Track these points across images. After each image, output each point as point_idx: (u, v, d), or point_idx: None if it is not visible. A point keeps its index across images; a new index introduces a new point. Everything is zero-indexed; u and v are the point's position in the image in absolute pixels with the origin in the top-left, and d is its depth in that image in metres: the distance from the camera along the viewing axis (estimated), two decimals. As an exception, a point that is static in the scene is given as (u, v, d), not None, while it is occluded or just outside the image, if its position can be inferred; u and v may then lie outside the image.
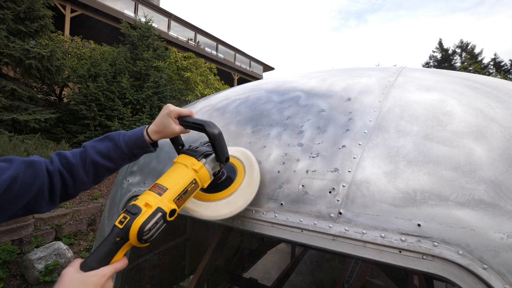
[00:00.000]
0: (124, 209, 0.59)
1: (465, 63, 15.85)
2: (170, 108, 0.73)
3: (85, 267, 0.51)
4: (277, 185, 0.77)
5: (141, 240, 0.56)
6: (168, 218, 0.61)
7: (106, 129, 6.09)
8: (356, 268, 1.99)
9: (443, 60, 17.57)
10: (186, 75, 8.22)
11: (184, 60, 8.80)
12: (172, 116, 0.73)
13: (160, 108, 6.78)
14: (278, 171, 0.79)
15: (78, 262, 0.52)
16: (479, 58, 16.42)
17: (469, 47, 16.96)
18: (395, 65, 1.76)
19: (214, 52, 15.92)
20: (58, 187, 0.62)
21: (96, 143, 0.70)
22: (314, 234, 0.68)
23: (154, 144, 0.76)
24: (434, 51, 18.15)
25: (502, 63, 16.11)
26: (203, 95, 8.07)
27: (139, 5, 12.01)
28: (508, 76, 15.08)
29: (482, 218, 0.53)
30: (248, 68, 18.64)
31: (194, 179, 0.69)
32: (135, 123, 6.10)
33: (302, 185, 0.74)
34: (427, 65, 18.18)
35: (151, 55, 7.01)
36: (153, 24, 7.47)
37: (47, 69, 5.46)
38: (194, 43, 14.67)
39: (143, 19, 7.50)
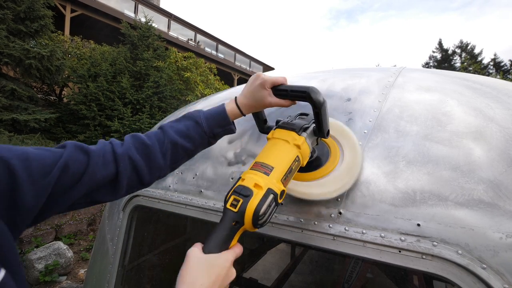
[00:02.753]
0: (232, 190, 0.54)
1: (465, 63, 15.87)
2: (263, 77, 0.65)
3: (208, 252, 0.49)
4: (277, 185, 0.77)
5: (257, 224, 0.52)
6: (279, 200, 0.56)
7: (106, 129, 6.09)
8: (356, 268, 1.99)
9: (443, 60, 17.58)
10: (186, 75, 8.22)
11: (184, 60, 8.80)
12: (267, 87, 0.65)
13: (160, 108, 6.78)
14: (278, 171, 0.79)
15: (199, 245, 0.50)
16: (479, 58, 16.43)
17: (468, 47, 16.97)
18: (395, 66, 1.76)
19: (214, 52, 15.92)
20: (125, 174, 0.55)
21: (174, 123, 0.64)
22: (314, 234, 0.68)
23: (233, 124, 0.68)
24: (434, 52, 18.16)
25: (502, 63, 16.12)
26: (203, 95, 8.06)
27: (139, 5, 12.02)
28: (508, 76, 15.09)
29: (481, 218, 0.53)
30: (248, 68, 18.65)
31: (297, 156, 0.61)
32: (135, 123, 6.10)
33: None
34: (427, 65, 18.19)
35: (151, 55, 7.01)
36: (153, 24, 7.47)
37: (47, 69, 5.46)
38: (194, 43, 14.67)
39: (143, 19, 7.50)
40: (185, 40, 14.20)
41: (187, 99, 7.77)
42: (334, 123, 0.76)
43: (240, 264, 2.45)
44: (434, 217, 0.56)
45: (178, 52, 9.29)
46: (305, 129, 0.65)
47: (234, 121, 0.70)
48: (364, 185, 0.66)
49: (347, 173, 0.66)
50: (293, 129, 0.63)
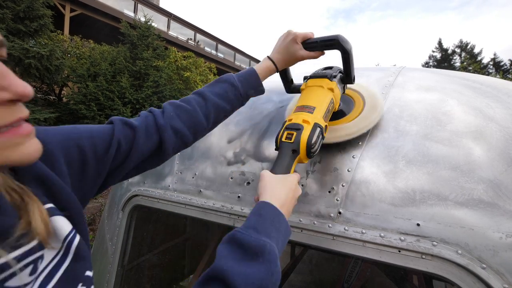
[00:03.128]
0: (284, 128, 0.62)
1: (465, 63, 15.87)
2: (295, 33, 0.70)
3: (277, 173, 0.57)
4: (277, 184, 0.77)
5: (310, 153, 0.59)
6: (324, 134, 0.63)
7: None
8: (356, 268, 1.99)
9: (443, 60, 17.59)
10: (185, 75, 8.22)
11: (184, 60, 8.80)
12: (298, 41, 0.69)
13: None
14: (278, 171, 0.79)
15: (267, 171, 0.57)
16: (479, 58, 16.44)
17: (468, 47, 16.98)
18: (395, 65, 1.76)
19: (213, 52, 15.91)
20: (169, 142, 0.58)
21: (211, 87, 0.66)
22: (313, 233, 0.68)
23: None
24: (433, 51, 18.19)
25: (502, 63, 16.12)
26: (202, 95, 8.05)
27: (138, 4, 12.00)
28: (507, 75, 15.10)
29: (481, 217, 0.53)
30: (247, 67, 18.64)
31: (332, 99, 0.68)
32: (134, 122, 6.09)
33: (302, 185, 0.74)
34: (426, 65, 18.19)
35: (151, 55, 7.00)
36: (153, 24, 7.47)
37: (46, 69, 5.45)
38: (193, 43, 14.66)
39: (142, 19, 7.50)
40: (185, 39, 14.19)
41: (186, 98, 7.76)
42: (358, 82, 0.81)
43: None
44: (434, 217, 0.56)
45: (178, 51, 9.29)
46: (334, 76, 0.70)
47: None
48: (364, 184, 0.66)
49: (372, 111, 0.73)
50: (325, 76, 0.70)
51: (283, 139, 0.61)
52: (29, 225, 0.31)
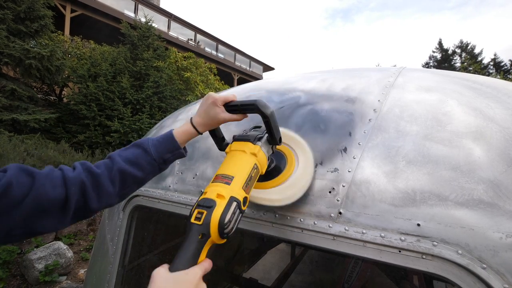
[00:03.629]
0: (196, 205, 0.56)
1: (465, 63, 15.86)
2: (214, 96, 0.69)
3: (174, 270, 0.47)
4: (277, 185, 0.77)
5: (223, 234, 0.53)
6: (243, 208, 0.58)
7: (106, 129, 6.09)
8: (356, 268, 1.99)
9: (443, 60, 17.58)
10: (186, 75, 8.22)
11: (184, 60, 8.80)
12: (218, 104, 0.69)
13: (160, 108, 6.78)
14: (278, 171, 0.79)
15: (165, 266, 0.48)
16: (479, 58, 16.42)
17: (469, 47, 16.96)
18: (395, 66, 1.76)
19: (214, 52, 15.92)
20: (74, 199, 0.54)
21: (122, 151, 0.65)
22: (314, 234, 0.68)
23: (184, 148, 0.71)
24: (434, 51, 18.16)
25: (502, 63, 16.11)
26: (203, 95, 8.06)
27: (139, 5, 12.01)
28: (508, 76, 15.08)
29: (481, 218, 0.53)
30: (248, 68, 18.64)
31: (255, 164, 0.64)
32: (135, 123, 6.09)
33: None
34: (427, 65, 18.18)
35: (151, 55, 7.00)
36: (153, 24, 7.47)
37: (47, 69, 5.46)
38: (194, 43, 14.67)
39: (143, 19, 7.50)
40: (185, 40, 14.20)
41: (187, 99, 7.77)
42: (285, 132, 0.80)
43: (240, 264, 2.45)
44: (434, 217, 0.56)
45: (178, 52, 9.29)
46: (259, 139, 0.68)
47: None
48: (364, 185, 0.66)
49: (302, 177, 0.71)
50: (248, 140, 0.67)
51: (192, 220, 0.53)
52: None
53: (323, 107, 0.87)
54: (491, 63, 16.32)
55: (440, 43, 17.82)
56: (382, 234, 0.60)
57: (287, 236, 0.73)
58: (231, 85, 14.79)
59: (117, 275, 1.11)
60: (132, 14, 11.67)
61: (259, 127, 0.76)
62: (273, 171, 0.75)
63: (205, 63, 9.69)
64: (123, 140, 6.00)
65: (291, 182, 0.72)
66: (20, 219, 0.48)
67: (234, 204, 0.55)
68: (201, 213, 0.53)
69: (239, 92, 1.19)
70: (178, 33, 13.92)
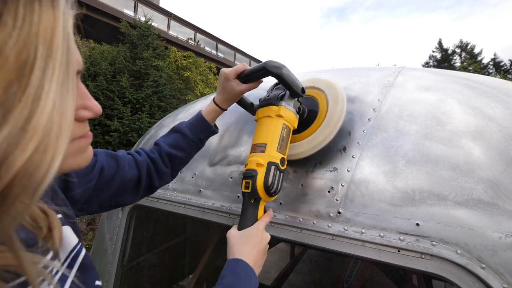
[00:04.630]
0: (242, 176, 0.64)
1: (465, 63, 15.87)
2: (225, 72, 0.72)
3: (241, 228, 0.60)
4: (276, 184, 0.77)
5: (270, 193, 0.62)
6: (281, 167, 0.64)
7: (105, 128, 6.08)
8: (356, 268, 1.99)
9: (443, 60, 17.58)
10: (185, 75, 8.21)
11: (184, 60, 8.79)
12: (231, 78, 0.71)
13: (159, 107, 6.77)
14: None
15: (235, 227, 0.62)
16: (479, 58, 16.43)
17: (468, 47, 16.97)
18: (395, 65, 1.76)
19: (214, 52, 15.90)
20: (144, 179, 0.66)
21: (165, 138, 0.73)
22: (313, 233, 0.68)
23: (215, 125, 0.77)
24: (433, 51, 18.17)
25: (502, 63, 16.12)
26: (203, 95, 8.06)
27: (138, 4, 11.99)
28: (508, 76, 15.09)
29: (480, 217, 0.53)
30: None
31: (284, 124, 0.67)
32: (134, 122, 6.09)
33: (301, 185, 0.74)
34: (426, 65, 18.19)
35: (151, 54, 6.99)
36: (153, 23, 7.46)
37: (46, 68, 5.44)
38: (193, 43, 14.65)
39: (142, 18, 7.49)
40: (185, 39, 14.18)
41: (186, 98, 7.77)
42: (320, 79, 0.81)
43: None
44: (433, 217, 0.56)
45: (178, 51, 9.28)
46: (281, 98, 0.69)
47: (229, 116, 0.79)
48: (363, 184, 0.66)
49: (329, 124, 0.72)
50: (269, 104, 0.69)
51: (243, 189, 0.63)
52: (50, 236, 0.32)
53: (322, 106, 0.86)
54: (491, 63, 16.33)
55: (440, 43, 17.83)
56: (381, 234, 0.60)
57: (286, 235, 0.73)
58: (231, 85, 14.74)
59: (116, 274, 1.11)
60: (131, 13, 11.65)
61: (278, 86, 0.76)
62: (309, 118, 0.76)
63: (205, 62, 9.68)
64: (123, 139, 6.00)
65: (319, 131, 0.73)
66: (109, 195, 0.60)
67: (273, 167, 0.62)
68: (248, 183, 0.61)
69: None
70: (178, 32, 13.90)
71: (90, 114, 0.35)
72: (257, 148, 0.65)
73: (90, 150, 0.38)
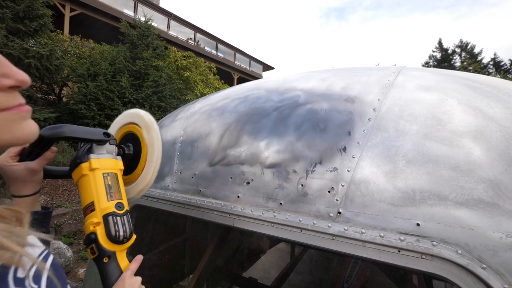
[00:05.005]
0: (85, 246, 0.60)
1: (465, 63, 15.86)
2: None
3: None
4: (276, 184, 0.77)
5: (121, 241, 0.59)
6: (120, 212, 0.61)
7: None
8: (356, 268, 1.99)
9: (443, 59, 17.57)
10: (185, 75, 8.21)
11: (184, 60, 8.79)
12: (6, 163, 0.60)
13: (159, 107, 6.77)
14: (278, 171, 0.79)
15: None
16: (479, 58, 16.42)
17: (468, 46, 16.96)
18: (395, 65, 1.76)
19: (213, 52, 15.90)
20: None
21: None
22: (313, 233, 0.68)
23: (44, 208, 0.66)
24: (433, 51, 18.16)
25: (502, 63, 16.11)
26: (202, 95, 8.06)
27: (138, 4, 11.99)
28: (508, 75, 15.09)
29: (481, 217, 0.53)
30: (247, 67, 18.63)
31: (103, 173, 0.63)
32: (134, 122, 6.08)
33: (301, 185, 0.74)
34: (426, 64, 18.18)
35: (151, 54, 7.00)
36: (153, 23, 7.46)
37: (46, 68, 5.45)
38: (193, 43, 14.65)
39: (142, 18, 7.49)
40: (185, 39, 14.17)
41: (186, 98, 7.77)
42: (132, 112, 0.81)
43: (240, 263, 2.45)
44: (434, 217, 0.56)
45: (178, 51, 9.28)
46: (89, 151, 0.65)
47: None
48: (364, 184, 0.65)
49: (151, 159, 0.74)
50: (78, 163, 0.64)
51: (92, 257, 0.58)
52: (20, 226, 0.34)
53: (322, 106, 0.86)
54: (491, 63, 16.32)
55: (440, 43, 17.82)
56: (382, 234, 0.60)
57: (286, 235, 0.73)
58: (231, 85, 14.77)
59: (116, 274, 1.10)
60: (131, 13, 11.65)
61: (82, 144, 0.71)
62: (138, 154, 0.76)
63: (205, 62, 9.68)
64: (123, 139, 5.99)
65: (148, 161, 0.74)
66: None
67: (110, 218, 0.59)
68: (92, 248, 0.58)
69: (237, 92, 1.18)
70: (178, 32, 13.90)
71: (12, 81, 0.32)
72: (88, 210, 0.60)
73: (29, 124, 0.35)
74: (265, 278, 2.61)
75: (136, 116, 0.79)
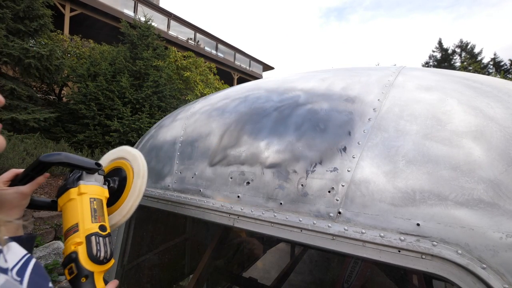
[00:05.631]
0: (63, 267, 0.60)
1: (465, 63, 15.86)
2: None
3: None
4: (277, 184, 0.77)
5: (101, 261, 0.60)
6: (103, 233, 0.63)
7: (105, 128, 6.08)
8: (356, 268, 1.99)
9: (443, 59, 17.57)
10: (185, 75, 8.22)
11: (184, 60, 8.80)
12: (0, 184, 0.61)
13: (159, 108, 6.77)
14: (278, 171, 0.79)
15: None
16: (479, 58, 16.42)
17: (468, 46, 16.96)
18: (395, 65, 1.76)
19: (213, 52, 15.90)
20: None
21: None
22: (313, 233, 0.68)
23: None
24: (433, 51, 18.16)
25: (502, 63, 16.11)
26: (202, 95, 8.06)
27: (138, 4, 11.99)
28: (508, 75, 15.08)
29: (481, 217, 0.53)
30: (247, 67, 18.63)
31: (90, 198, 0.66)
32: (134, 122, 6.09)
33: (302, 185, 0.74)
34: (427, 64, 18.18)
35: (151, 55, 7.00)
36: (153, 23, 7.46)
37: (46, 68, 5.45)
38: (193, 43, 14.65)
39: (142, 18, 7.50)
40: (185, 39, 14.17)
41: (186, 98, 7.77)
42: (124, 149, 0.88)
43: (240, 263, 2.45)
44: (434, 217, 0.56)
45: (178, 51, 9.28)
46: (79, 178, 0.69)
47: None
48: (364, 184, 0.65)
49: (133, 192, 0.78)
50: (67, 189, 0.67)
51: (68, 278, 0.57)
52: None
53: (322, 106, 0.86)
54: (491, 63, 16.32)
55: (440, 43, 17.82)
56: (382, 234, 0.60)
57: (287, 235, 0.73)
58: (231, 85, 14.77)
59: (116, 274, 1.11)
60: (131, 13, 11.65)
61: (72, 170, 0.74)
62: (122, 187, 0.80)
63: (205, 62, 9.68)
64: (123, 139, 5.99)
65: (131, 192, 0.79)
66: None
67: (93, 238, 0.60)
68: (71, 268, 0.57)
69: (237, 92, 1.18)
70: (178, 32, 13.90)
71: None
72: (70, 231, 0.61)
73: (1, 137, 0.37)
74: (265, 278, 2.61)
75: (129, 154, 0.85)
